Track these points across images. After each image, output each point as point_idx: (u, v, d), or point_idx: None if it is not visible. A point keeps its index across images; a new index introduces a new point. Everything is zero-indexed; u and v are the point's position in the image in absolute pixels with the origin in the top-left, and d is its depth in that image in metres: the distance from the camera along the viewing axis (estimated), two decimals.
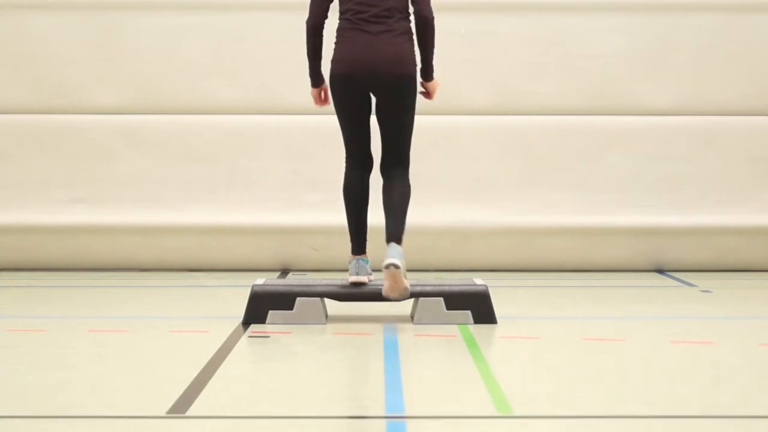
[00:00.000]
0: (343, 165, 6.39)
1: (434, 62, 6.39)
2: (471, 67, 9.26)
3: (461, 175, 9.27)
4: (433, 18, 6.25)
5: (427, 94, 6.45)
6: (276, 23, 9.26)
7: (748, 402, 4.48)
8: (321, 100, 6.37)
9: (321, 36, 6.22)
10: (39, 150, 9.25)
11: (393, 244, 6.05)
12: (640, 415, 4.21)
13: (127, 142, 9.26)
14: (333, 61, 6.21)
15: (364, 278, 6.28)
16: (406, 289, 6.03)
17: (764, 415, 4.27)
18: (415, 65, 6.25)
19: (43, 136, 9.25)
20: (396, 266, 5.96)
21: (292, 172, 9.21)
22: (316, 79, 6.32)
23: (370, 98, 6.28)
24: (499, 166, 9.29)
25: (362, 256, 6.31)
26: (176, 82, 9.26)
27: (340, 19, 6.27)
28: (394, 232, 6.11)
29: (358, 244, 6.31)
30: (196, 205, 9.23)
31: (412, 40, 6.25)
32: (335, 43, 6.24)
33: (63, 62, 9.22)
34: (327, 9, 6.23)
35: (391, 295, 6.04)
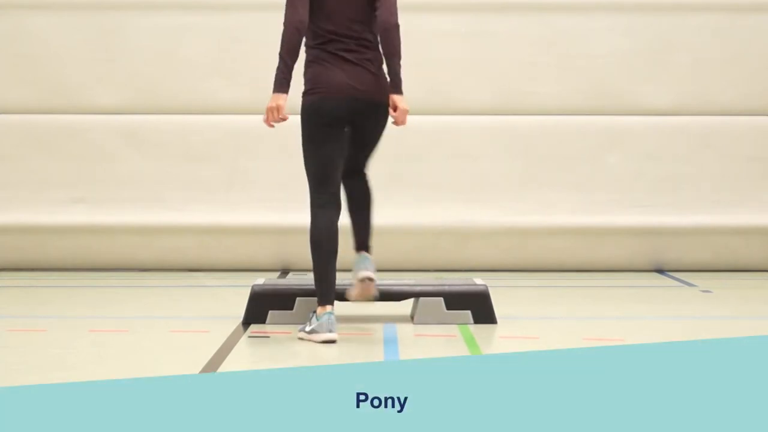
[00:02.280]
0: None
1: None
2: (471, 67, 9.27)
3: (461, 175, 9.27)
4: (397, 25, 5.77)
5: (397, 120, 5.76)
6: (276, 23, 9.13)
7: None
8: (278, 117, 5.73)
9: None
10: (39, 150, 9.25)
11: (365, 254, 5.95)
12: None
13: (127, 142, 9.26)
14: (314, 89, 5.82)
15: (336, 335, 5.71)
16: (375, 295, 5.98)
17: None
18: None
19: (43, 136, 9.26)
20: (371, 279, 5.88)
21: (291, 171, 9.19)
22: (285, 85, 5.78)
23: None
24: (500, 166, 9.29)
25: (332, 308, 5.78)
26: (176, 82, 9.26)
27: (315, 47, 5.95)
28: (367, 240, 6.02)
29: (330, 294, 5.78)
30: (196, 205, 9.23)
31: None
32: (312, 66, 5.89)
33: (63, 62, 9.22)
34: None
35: (359, 300, 5.97)
